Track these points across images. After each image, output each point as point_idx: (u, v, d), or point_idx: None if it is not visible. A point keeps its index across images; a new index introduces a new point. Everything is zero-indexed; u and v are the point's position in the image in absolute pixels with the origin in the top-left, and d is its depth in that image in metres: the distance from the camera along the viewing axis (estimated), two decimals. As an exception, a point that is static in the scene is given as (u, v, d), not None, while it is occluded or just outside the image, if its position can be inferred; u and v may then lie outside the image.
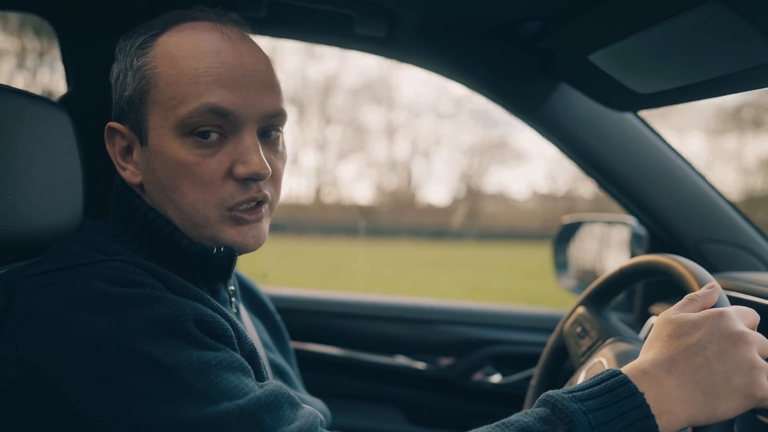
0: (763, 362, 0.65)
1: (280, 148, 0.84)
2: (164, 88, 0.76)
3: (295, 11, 1.20)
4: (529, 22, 1.19)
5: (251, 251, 0.82)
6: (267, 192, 0.80)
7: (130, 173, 0.82)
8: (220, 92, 0.75)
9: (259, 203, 0.80)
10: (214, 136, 0.76)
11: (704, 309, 0.70)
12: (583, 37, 1.07)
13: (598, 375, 0.66)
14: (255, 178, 0.77)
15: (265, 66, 0.80)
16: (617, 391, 0.62)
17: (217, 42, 0.77)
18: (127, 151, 0.83)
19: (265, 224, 0.83)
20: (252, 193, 0.78)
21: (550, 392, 0.65)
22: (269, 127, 0.81)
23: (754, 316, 0.70)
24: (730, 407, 0.62)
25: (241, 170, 0.76)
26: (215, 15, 0.82)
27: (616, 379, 0.64)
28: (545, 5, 1.08)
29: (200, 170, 0.76)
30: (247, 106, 0.76)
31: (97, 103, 1.21)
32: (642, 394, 0.62)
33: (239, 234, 0.79)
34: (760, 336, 0.67)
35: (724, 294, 0.74)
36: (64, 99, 1.29)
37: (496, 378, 1.66)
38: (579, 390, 0.64)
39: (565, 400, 0.62)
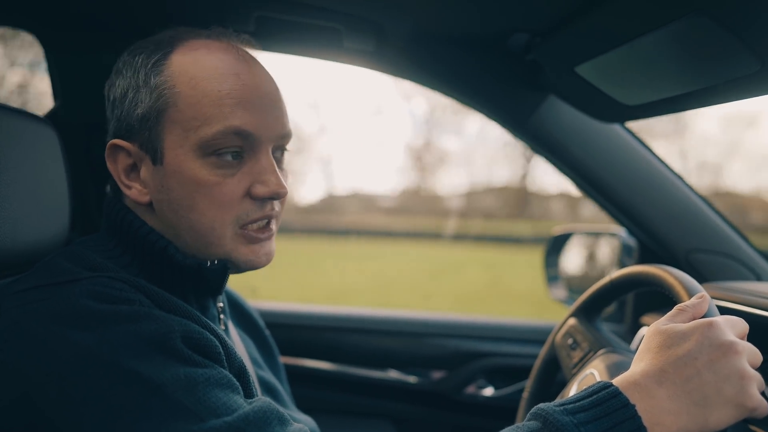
0: (753, 372, 0.65)
1: (285, 165, 0.86)
2: (185, 109, 0.76)
3: (283, 25, 1.21)
4: (516, 35, 1.20)
5: (261, 268, 0.83)
6: (277, 209, 0.82)
7: (137, 192, 0.81)
8: (243, 115, 0.76)
9: (269, 221, 0.82)
10: (232, 156, 0.77)
11: (694, 319, 0.71)
12: (570, 50, 1.08)
13: (590, 387, 0.66)
14: (275, 197, 0.79)
15: (275, 88, 0.83)
16: (609, 403, 0.62)
17: (234, 63, 0.79)
18: (131, 170, 0.81)
19: (274, 241, 0.84)
20: (266, 210, 0.80)
21: (541, 405, 0.65)
22: (279, 147, 0.83)
23: (743, 326, 0.70)
24: (721, 418, 0.62)
25: (261, 190, 0.78)
26: (228, 34, 0.83)
27: (607, 391, 0.63)
28: (533, 18, 1.09)
29: (220, 190, 0.77)
30: (264, 127, 0.78)
31: (84, 117, 1.20)
32: (633, 406, 0.62)
33: (252, 252, 0.80)
34: (749, 345, 0.67)
35: (713, 304, 0.74)
36: (51, 114, 1.29)
37: (488, 391, 1.66)
38: (570, 402, 0.64)
39: (556, 413, 0.62)
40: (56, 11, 1.19)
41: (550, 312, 6.10)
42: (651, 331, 0.70)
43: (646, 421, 0.61)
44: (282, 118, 0.82)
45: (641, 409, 0.62)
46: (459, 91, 1.37)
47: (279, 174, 0.79)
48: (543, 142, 1.38)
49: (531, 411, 0.66)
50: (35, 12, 1.20)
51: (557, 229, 1.77)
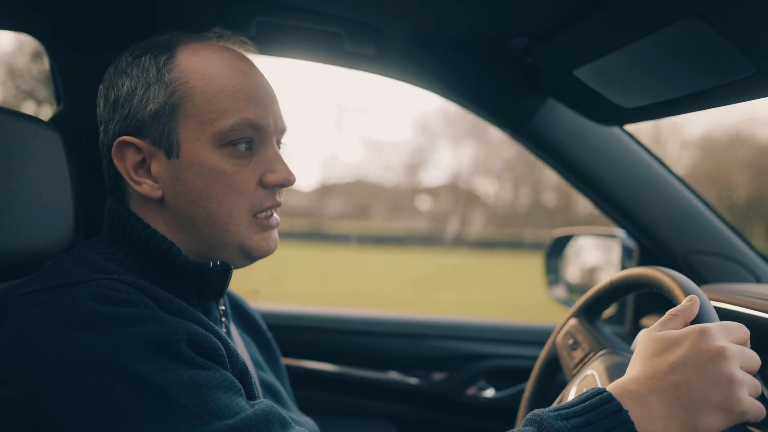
0: (743, 376, 0.65)
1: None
2: (201, 103, 0.80)
3: (284, 30, 1.22)
4: (515, 39, 1.21)
5: (269, 255, 0.87)
6: (281, 198, 0.87)
7: (148, 187, 0.82)
8: (255, 109, 0.82)
9: (274, 209, 0.86)
10: (245, 147, 0.81)
11: (686, 323, 0.72)
12: (568, 53, 1.09)
13: (584, 393, 0.67)
14: (284, 184, 0.85)
15: (272, 86, 0.88)
16: (602, 408, 0.64)
17: (239, 62, 0.85)
18: (140, 166, 0.83)
19: (276, 230, 0.88)
20: (277, 198, 0.85)
21: (536, 411, 0.67)
22: (278, 140, 0.88)
23: (743, 332, 0.70)
24: (710, 423, 0.63)
25: (272, 178, 0.83)
26: (227, 36, 0.88)
27: (600, 396, 0.65)
28: (531, 22, 1.10)
29: (237, 178, 0.81)
30: (272, 121, 0.84)
31: (88, 121, 1.21)
32: (626, 412, 0.63)
33: (263, 239, 0.85)
34: (742, 350, 0.67)
35: (710, 307, 0.74)
36: (55, 118, 1.30)
37: (489, 392, 1.66)
38: (565, 408, 0.65)
39: (551, 419, 0.64)
40: (60, 16, 1.20)
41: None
42: (644, 337, 0.71)
43: (638, 427, 0.62)
44: (281, 113, 0.87)
45: (634, 416, 0.63)
46: (458, 95, 1.38)
47: (286, 163, 0.84)
48: (542, 144, 1.38)
49: (527, 417, 0.67)
50: (39, 17, 1.21)
51: (558, 232, 1.78)
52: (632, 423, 0.62)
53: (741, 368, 0.66)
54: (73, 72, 1.27)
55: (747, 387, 0.65)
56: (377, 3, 1.12)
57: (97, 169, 0.87)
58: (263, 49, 1.30)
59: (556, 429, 0.62)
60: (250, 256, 0.85)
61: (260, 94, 0.83)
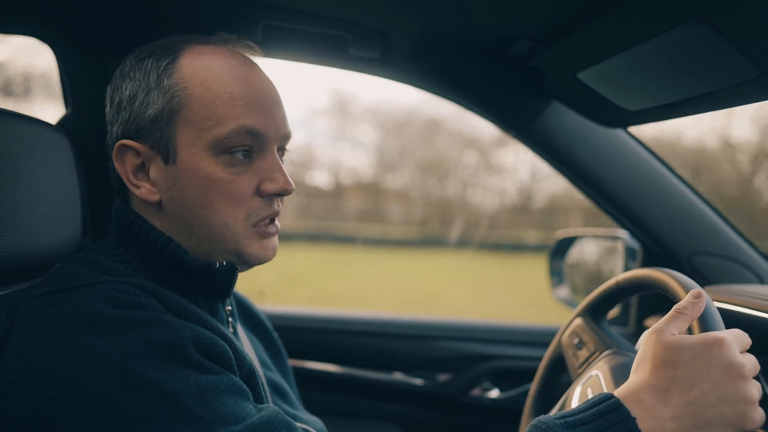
0: (757, 393, 0.64)
1: (284, 165, 0.88)
2: (198, 109, 0.79)
3: (289, 33, 1.22)
4: (519, 42, 1.21)
5: (267, 262, 0.86)
6: (281, 207, 0.85)
7: (146, 191, 0.82)
8: (253, 115, 0.80)
9: (274, 217, 0.85)
10: (243, 155, 0.80)
11: (693, 320, 0.71)
12: (572, 56, 1.09)
13: (591, 399, 0.66)
14: (282, 194, 0.83)
15: (277, 91, 0.86)
16: (610, 415, 0.63)
17: (241, 67, 0.83)
18: (140, 169, 0.83)
19: (277, 237, 0.87)
20: (274, 207, 0.84)
21: (541, 417, 0.66)
22: (281, 147, 0.86)
23: (746, 339, 0.69)
24: None
25: (270, 187, 0.82)
26: (233, 40, 0.87)
27: (608, 403, 0.64)
28: (535, 25, 1.11)
29: (233, 187, 0.80)
30: (272, 128, 0.82)
31: (95, 124, 1.22)
32: (634, 419, 0.62)
33: (261, 247, 0.83)
34: (753, 362, 0.66)
35: (716, 311, 0.72)
36: (63, 121, 1.31)
37: (494, 393, 1.66)
38: (571, 415, 0.64)
39: (557, 427, 0.63)
40: (68, 20, 1.21)
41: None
42: (653, 339, 0.68)
43: None
44: (285, 120, 0.86)
45: (643, 427, 0.62)
46: (463, 97, 1.39)
47: (285, 172, 0.83)
48: (546, 147, 1.39)
49: (532, 423, 0.66)
50: (48, 21, 1.22)
51: (561, 233, 1.78)
52: (640, 431, 0.61)
53: (753, 371, 0.65)
54: (81, 75, 1.29)
55: (758, 406, 0.64)
56: (382, 7, 1.13)
57: (105, 172, 0.87)
58: (269, 52, 1.31)
59: None
60: (247, 263, 0.84)
61: (260, 100, 0.81)
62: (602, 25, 0.94)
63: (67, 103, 1.33)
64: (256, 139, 0.81)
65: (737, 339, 0.67)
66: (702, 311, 0.71)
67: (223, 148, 0.79)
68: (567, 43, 1.07)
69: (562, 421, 0.63)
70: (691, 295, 0.72)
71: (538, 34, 1.14)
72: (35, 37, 1.28)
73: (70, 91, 1.30)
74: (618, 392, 0.66)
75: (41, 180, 0.85)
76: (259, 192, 0.82)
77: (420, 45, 1.26)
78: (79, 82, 1.29)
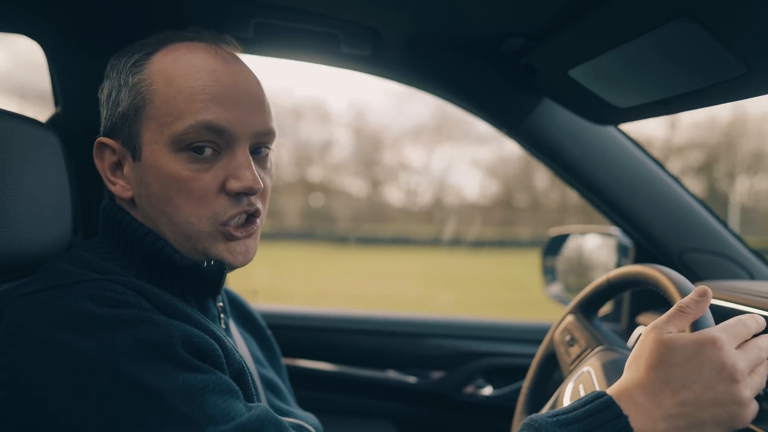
0: (752, 393, 0.64)
1: (269, 164, 0.86)
2: (160, 105, 0.78)
3: (281, 31, 1.22)
4: (511, 39, 1.21)
5: (239, 267, 0.83)
6: (258, 206, 0.82)
7: (120, 188, 0.83)
8: (216, 110, 0.77)
9: (251, 217, 0.82)
10: (208, 151, 0.78)
11: (695, 319, 0.70)
12: (563, 54, 1.10)
13: (584, 397, 0.66)
14: (248, 193, 0.79)
15: (256, 87, 0.83)
16: (602, 413, 0.63)
17: (211, 61, 0.80)
18: (117, 167, 0.84)
19: (254, 240, 0.84)
20: (243, 206, 0.80)
21: (534, 416, 0.66)
22: (260, 145, 0.83)
23: (744, 330, 0.68)
24: None
25: (234, 185, 0.78)
26: (209, 36, 0.85)
27: (600, 401, 0.64)
28: (526, 23, 1.11)
29: (194, 184, 0.77)
30: (240, 124, 0.78)
31: (85, 122, 1.22)
32: (626, 417, 0.62)
33: (227, 250, 0.81)
34: (749, 357, 0.66)
35: (708, 311, 0.71)
36: (53, 119, 1.30)
37: (487, 390, 1.67)
38: (563, 413, 0.64)
39: (549, 425, 0.63)
40: (57, 18, 1.21)
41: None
42: (650, 337, 0.68)
43: None
44: (263, 116, 0.82)
45: (634, 424, 0.62)
46: (455, 95, 1.39)
47: (255, 170, 0.79)
48: (538, 144, 1.39)
49: (524, 421, 0.66)
50: (37, 19, 1.21)
51: (554, 230, 1.79)
52: (632, 429, 0.62)
53: (748, 368, 0.65)
54: (71, 74, 1.28)
55: (753, 395, 0.64)
56: (374, 4, 1.13)
57: (95, 171, 0.87)
58: (261, 50, 1.31)
59: None
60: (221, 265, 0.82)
61: (229, 95, 0.78)
62: (593, 22, 0.95)
63: (57, 102, 1.32)
64: (221, 135, 0.77)
65: (734, 334, 0.67)
66: (705, 310, 0.70)
67: (182, 144, 0.77)
68: (558, 40, 1.07)
69: (555, 419, 0.63)
70: (695, 293, 0.71)
71: (530, 31, 1.14)
72: (24, 35, 1.27)
73: (60, 90, 1.30)
74: (611, 390, 0.66)
75: (31, 179, 0.84)
76: (224, 190, 0.79)
77: (412, 42, 1.27)
78: (68, 80, 1.29)
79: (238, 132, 0.79)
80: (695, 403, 0.63)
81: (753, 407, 0.65)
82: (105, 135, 0.84)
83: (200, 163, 0.77)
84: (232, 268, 0.83)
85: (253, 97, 0.81)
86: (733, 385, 0.63)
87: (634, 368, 0.67)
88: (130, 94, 0.80)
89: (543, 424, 0.63)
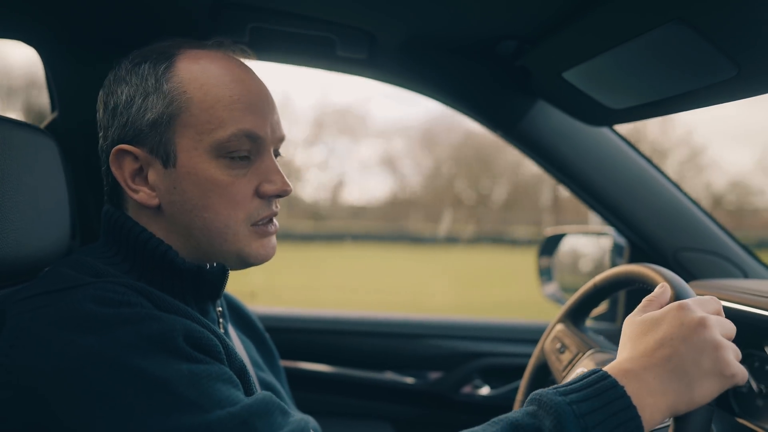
0: (726, 341, 0.68)
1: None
2: (198, 113, 0.80)
3: (277, 36, 1.23)
4: (505, 42, 1.22)
5: (267, 261, 0.87)
6: (278, 208, 0.87)
7: (145, 195, 0.82)
8: (252, 119, 0.81)
9: (272, 217, 0.86)
10: (241, 158, 0.82)
11: (662, 306, 0.75)
12: (557, 56, 1.11)
13: (581, 374, 0.69)
14: (281, 195, 0.85)
15: (270, 95, 0.87)
16: (599, 384, 0.66)
17: (238, 71, 0.84)
18: (137, 174, 0.83)
19: (275, 236, 0.89)
20: (273, 208, 0.85)
21: (537, 391, 0.69)
22: (276, 150, 0.88)
23: (716, 305, 0.74)
24: (705, 390, 0.66)
25: (269, 188, 0.83)
26: (225, 44, 0.88)
27: (597, 375, 0.67)
28: (521, 25, 1.12)
29: (233, 189, 0.81)
30: (270, 131, 0.84)
31: (83, 128, 1.22)
32: (622, 387, 0.65)
33: (262, 246, 0.85)
34: (718, 318, 0.71)
35: (686, 285, 0.78)
36: (51, 125, 1.30)
37: (485, 390, 1.68)
38: (563, 386, 0.68)
39: (550, 395, 0.67)
40: (54, 24, 1.21)
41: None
42: (627, 322, 0.74)
43: (635, 401, 0.65)
44: (280, 122, 0.87)
45: (630, 390, 0.65)
46: (450, 97, 1.40)
47: (283, 174, 0.85)
48: (533, 145, 1.41)
49: (528, 397, 0.70)
50: (34, 25, 1.22)
51: (550, 230, 1.80)
52: (629, 397, 0.64)
53: (716, 324, 0.69)
54: (68, 79, 1.28)
55: (731, 351, 0.68)
56: (369, 8, 1.14)
57: (93, 176, 0.87)
58: (257, 55, 1.31)
59: (556, 403, 0.65)
60: (247, 263, 0.85)
61: (259, 104, 0.83)
62: (586, 25, 0.96)
63: (54, 107, 1.32)
64: (255, 142, 0.82)
65: (700, 302, 0.72)
66: (669, 298, 0.76)
67: (223, 152, 0.80)
68: (552, 43, 1.08)
69: (555, 390, 0.67)
70: (658, 288, 0.79)
71: (524, 33, 1.15)
72: (21, 40, 1.27)
73: (57, 95, 1.30)
74: (604, 368, 0.69)
75: (29, 184, 0.84)
76: (258, 193, 0.83)
77: (407, 45, 1.27)
78: (65, 85, 1.29)
79: (268, 138, 0.84)
80: (678, 356, 0.67)
81: (742, 371, 0.68)
82: (124, 142, 0.82)
83: (237, 169, 0.81)
84: (262, 263, 0.86)
85: (272, 105, 0.86)
86: (704, 331, 0.67)
87: (621, 351, 0.73)
88: (164, 102, 0.80)
89: (545, 394, 0.67)
